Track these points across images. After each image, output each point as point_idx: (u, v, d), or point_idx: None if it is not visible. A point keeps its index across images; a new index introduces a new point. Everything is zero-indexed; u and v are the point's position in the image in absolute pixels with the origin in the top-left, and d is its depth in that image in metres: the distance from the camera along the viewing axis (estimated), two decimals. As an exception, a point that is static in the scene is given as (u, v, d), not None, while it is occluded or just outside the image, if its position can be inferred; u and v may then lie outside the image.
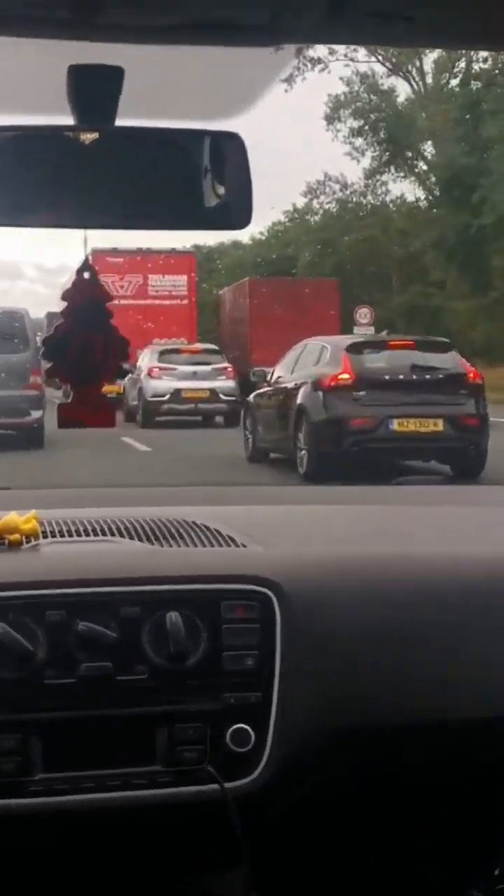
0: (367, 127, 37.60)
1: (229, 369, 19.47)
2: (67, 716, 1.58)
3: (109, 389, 1.61)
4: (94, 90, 1.32)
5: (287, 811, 1.73)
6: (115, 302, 1.56)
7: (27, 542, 1.76)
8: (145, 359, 19.33)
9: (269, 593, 1.66)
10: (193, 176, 1.45)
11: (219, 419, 19.04)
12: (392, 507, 2.47)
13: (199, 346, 22.21)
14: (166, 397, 18.56)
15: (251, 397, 14.08)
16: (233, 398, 17.97)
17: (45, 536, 1.80)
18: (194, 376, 18.93)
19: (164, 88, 1.43)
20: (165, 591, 1.64)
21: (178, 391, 18.58)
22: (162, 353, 19.85)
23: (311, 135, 67.57)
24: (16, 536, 1.74)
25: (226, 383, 18.92)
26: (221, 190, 1.46)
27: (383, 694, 1.71)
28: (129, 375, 17.28)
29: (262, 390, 13.83)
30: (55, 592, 1.61)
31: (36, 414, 15.20)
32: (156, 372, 18.90)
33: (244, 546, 1.81)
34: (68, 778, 1.57)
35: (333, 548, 1.92)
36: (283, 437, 12.14)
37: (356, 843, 1.89)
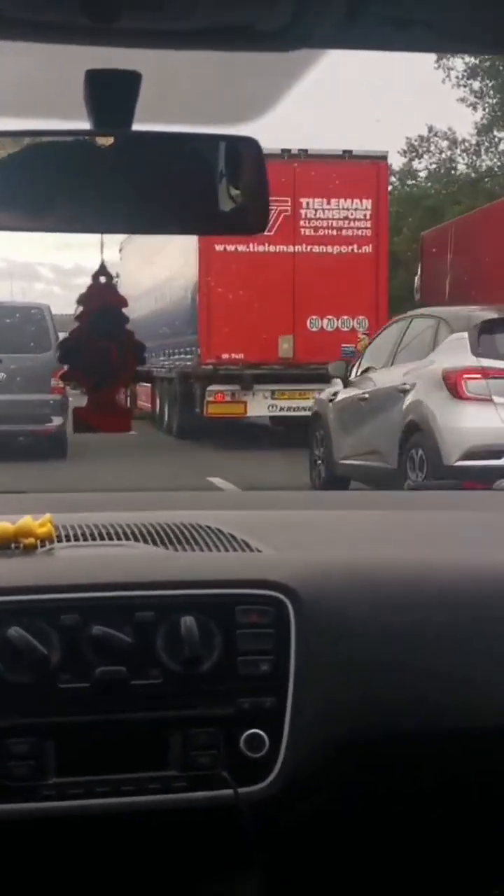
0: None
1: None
2: (81, 720, 1.58)
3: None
4: (111, 95, 1.32)
5: (300, 817, 1.72)
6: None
7: (42, 546, 1.76)
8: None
9: (284, 598, 1.65)
10: (210, 181, 1.46)
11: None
12: (406, 511, 2.47)
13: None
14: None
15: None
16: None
17: (59, 540, 1.80)
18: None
19: (180, 93, 1.44)
20: (180, 596, 1.64)
21: None
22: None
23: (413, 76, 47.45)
24: (31, 540, 1.75)
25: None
26: (238, 195, 1.46)
27: (398, 700, 1.71)
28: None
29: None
30: (70, 596, 1.61)
31: (57, 420, 13.66)
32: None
33: (258, 551, 1.81)
34: (82, 782, 1.57)
35: (348, 553, 1.92)
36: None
37: (369, 850, 1.88)
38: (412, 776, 1.79)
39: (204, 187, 1.46)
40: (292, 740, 1.62)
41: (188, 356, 15.74)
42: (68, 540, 1.82)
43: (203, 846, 1.75)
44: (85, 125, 1.34)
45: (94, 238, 1.49)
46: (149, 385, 18.72)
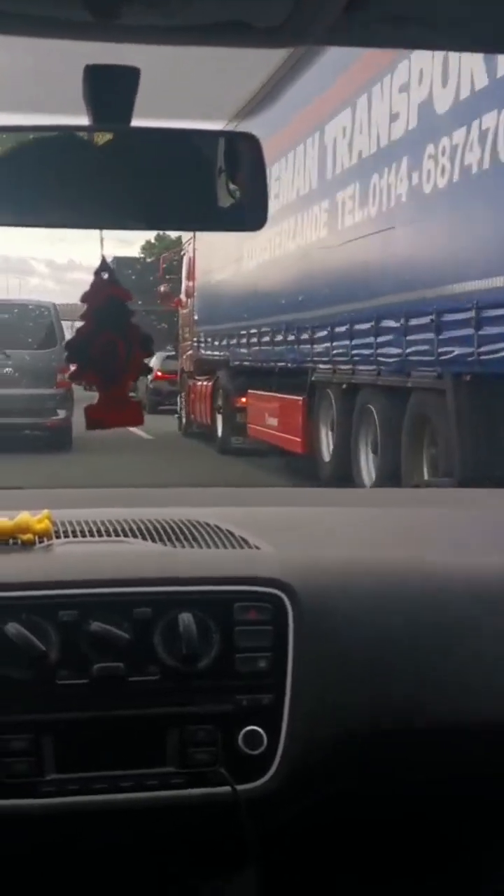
0: None
1: None
2: (80, 716, 1.58)
3: None
4: (111, 90, 1.32)
5: (298, 814, 1.72)
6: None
7: (40, 542, 1.76)
8: None
9: (282, 595, 1.65)
10: (209, 177, 1.45)
11: None
12: (405, 509, 2.47)
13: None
14: None
15: None
16: None
17: (57, 536, 1.80)
18: None
19: (179, 89, 1.44)
20: (178, 592, 1.64)
21: None
22: None
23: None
24: (29, 536, 1.75)
25: None
26: (237, 191, 1.46)
27: (396, 697, 1.71)
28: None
29: None
30: (68, 592, 1.61)
31: (62, 413, 14.52)
32: None
33: (257, 548, 1.81)
34: (80, 779, 1.57)
35: (346, 550, 1.92)
36: None
37: (366, 848, 1.89)
38: (409, 773, 1.79)
39: (203, 183, 1.46)
40: (290, 737, 1.62)
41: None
42: (66, 536, 1.82)
43: (201, 843, 1.75)
44: (84, 120, 1.34)
45: (87, 233, 1.49)
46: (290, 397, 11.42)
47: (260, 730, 1.61)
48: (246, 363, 14.20)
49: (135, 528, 1.87)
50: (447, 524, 2.23)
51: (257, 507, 2.32)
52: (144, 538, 1.83)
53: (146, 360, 1.55)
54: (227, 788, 1.59)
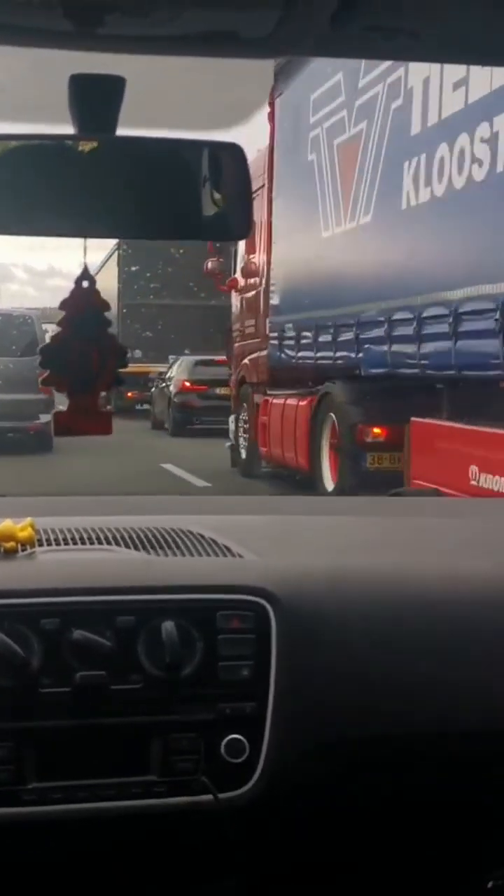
0: None
1: None
2: (62, 725, 1.57)
3: None
4: (95, 100, 1.32)
5: (282, 822, 1.72)
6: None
7: (23, 550, 1.76)
8: None
9: (265, 604, 1.66)
10: (193, 186, 1.46)
11: None
12: (389, 518, 2.47)
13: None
14: None
15: None
16: None
17: (41, 544, 1.80)
18: None
19: (165, 99, 1.44)
20: (161, 601, 1.64)
21: None
22: None
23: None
24: (11, 544, 1.74)
25: None
26: (221, 200, 1.47)
27: (379, 705, 1.71)
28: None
29: None
30: (50, 601, 1.61)
31: (45, 418, 15.28)
32: None
33: (240, 556, 1.81)
34: (62, 787, 1.57)
35: (329, 558, 1.92)
36: None
37: (352, 854, 1.89)
38: (394, 780, 1.79)
39: (187, 192, 1.46)
40: (273, 745, 1.62)
41: None
42: (49, 544, 1.81)
43: (185, 851, 1.75)
44: (69, 130, 1.34)
45: (67, 240, 1.49)
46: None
47: (242, 738, 1.61)
48: (404, 371, 8.19)
49: (118, 536, 1.87)
50: (430, 532, 2.23)
51: (241, 516, 2.33)
52: (128, 546, 1.83)
53: (119, 370, 1.55)
54: (210, 797, 1.59)
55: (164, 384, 21.46)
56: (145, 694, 1.60)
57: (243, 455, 13.04)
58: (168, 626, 1.60)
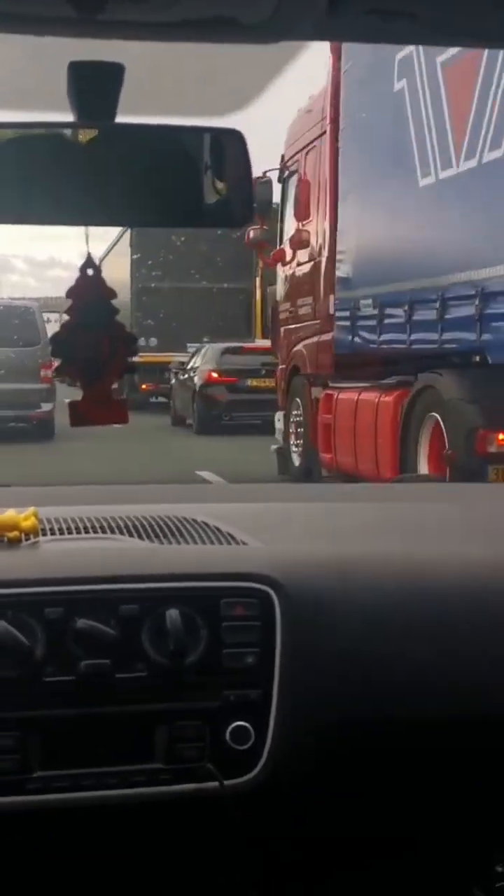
0: None
1: None
2: (66, 713, 1.58)
3: None
4: (95, 87, 1.32)
5: (287, 808, 1.73)
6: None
7: (26, 540, 1.76)
8: None
9: (269, 591, 1.66)
10: (194, 173, 1.46)
11: None
12: (392, 504, 2.47)
13: None
14: None
15: None
16: None
17: (44, 533, 1.80)
18: None
19: (164, 85, 1.43)
20: (165, 589, 1.64)
21: None
22: None
23: None
24: (15, 533, 1.74)
25: None
26: (222, 187, 1.46)
27: (384, 691, 1.71)
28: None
29: None
30: (54, 590, 1.61)
31: (46, 407, 15.63)
32: None
33: (244, 543, 1.81)
34: (67, 776, 1.57)
35: (333, 545, 1.92)
36: None
37: (357, 841, 1.89)
38: (399, 765, 1.80)
39: (188, 179, 1.46)
40: (278, 732, 1.62)
41: None
42: (53, 533, 1.81)
43: (191, 838, 1.75)
44: (68, 117, 1.34)
45: (67, 230, 1.48)
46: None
47: (247, 725, 1.62)
48: None
49: (122, 524, 1.87)
50: (433, 518, 2.23)
51: (244, 504, 2.32)
52: (132, 535, 1.83)
53: (131, 358, 1.54)
54: (215, 784, 1.60)
55: (185, 375, 18.85)
56: (150, 682, 1.60)
57: (296, 461, 10.55)
58: (172, 614, 1.60)
